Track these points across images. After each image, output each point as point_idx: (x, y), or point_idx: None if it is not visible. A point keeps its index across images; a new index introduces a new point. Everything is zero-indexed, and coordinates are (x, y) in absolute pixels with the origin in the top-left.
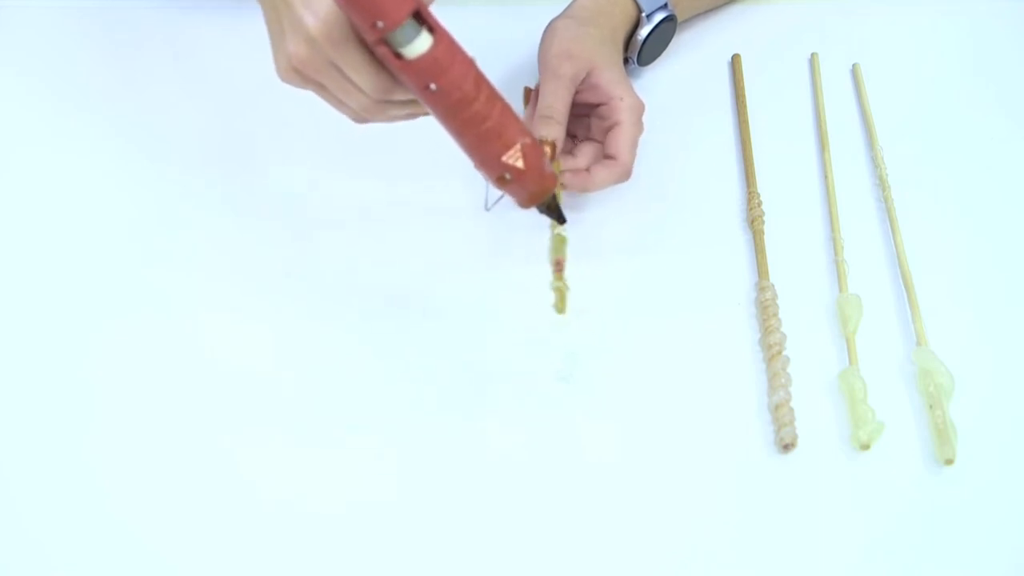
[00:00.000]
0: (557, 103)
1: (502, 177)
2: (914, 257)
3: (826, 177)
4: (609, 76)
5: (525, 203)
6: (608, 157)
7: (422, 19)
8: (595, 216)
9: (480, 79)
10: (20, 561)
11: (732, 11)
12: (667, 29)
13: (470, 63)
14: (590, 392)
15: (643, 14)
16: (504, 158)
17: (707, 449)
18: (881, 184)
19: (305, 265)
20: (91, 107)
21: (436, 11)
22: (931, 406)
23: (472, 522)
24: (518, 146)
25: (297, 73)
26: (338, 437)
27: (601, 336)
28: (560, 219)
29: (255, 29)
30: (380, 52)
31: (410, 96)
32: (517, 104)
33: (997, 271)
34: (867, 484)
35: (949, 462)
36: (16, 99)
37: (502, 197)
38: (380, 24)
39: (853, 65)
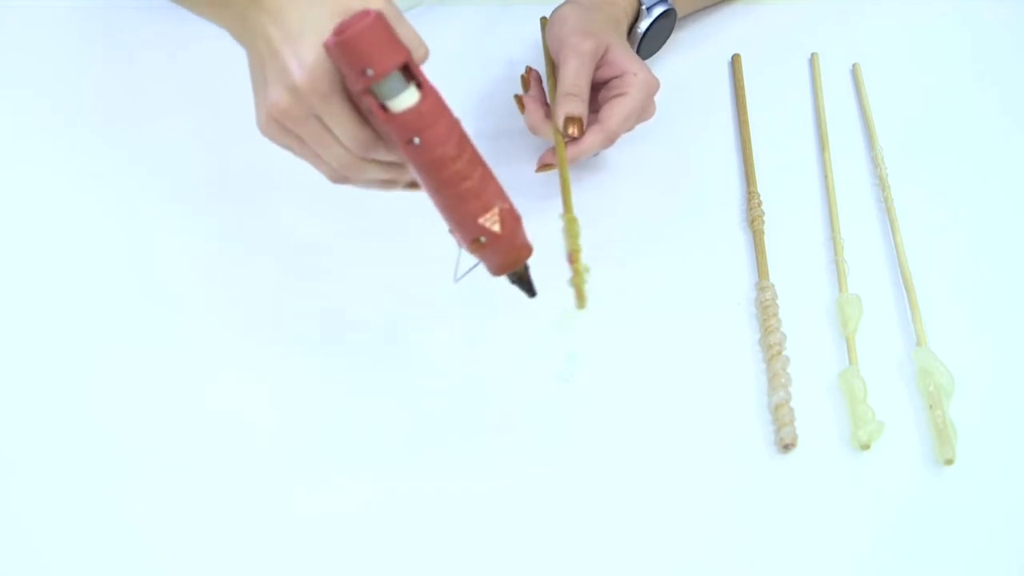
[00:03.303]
0: (581, 80)
1: (476, 240)
2: (914, 257)
3: (826, 177)
4: (624, 53)
5: (496, 270)
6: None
7: (411, 75)
8: (595, 216)
9: (464, 140)
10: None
11: (732, 11)
12: (667, 22)
13: (455, 122)
14: (591, 392)
15: (643, 7)
16: (481, 220)
17: (707, 449)
18: (881, 184)
19: (303, 265)
20: (87, 109)
21: (437, 10)
22: (931, 406)
23: (473, 522)
24: (496, 210)
25: (277, 124)
26: (339, 439)
27: (602, 336)
28: (531, 292)
29: None
30: (366, 103)
31: (391, 157)
32: (513, 110)
33: (997, 271)
34: (867, 484)
35: (949, 462)
36: (12, 101)
37: (472, 268)
38: (370, 72)
39: (853, 65)
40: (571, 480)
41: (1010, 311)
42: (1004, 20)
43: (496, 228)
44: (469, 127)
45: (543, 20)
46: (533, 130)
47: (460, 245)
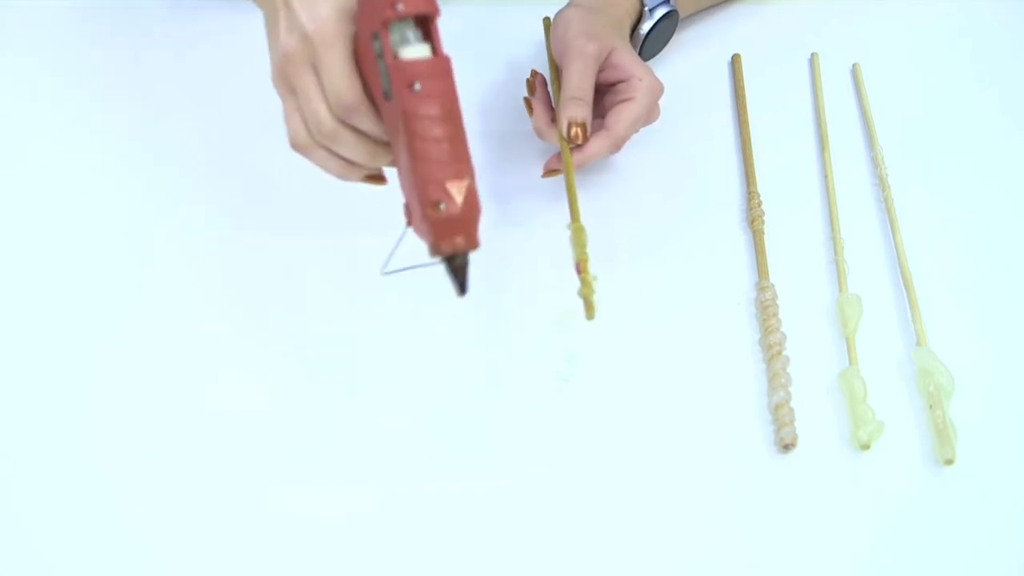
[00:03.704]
0: (584, 83)
1: (436, 205)
2: (914, 257)
3: (826, 177)
4: (628, 56)
5: (440, 248)
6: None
7: (428, 35)
8: (595, 216)
9: (457, 111)
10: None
11: (732, 11)
12: (669, 24)
13: (455, 92)
14: (591, 392)
15: (645, 8)
16: (448, 184)
17: (707, 449)
18: (881, 184)
19: (305, 264)
20: (93, 109)
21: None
22: (931, 406)
23: (474, 522)
24: (466, 182)
25: (282, 73)
26: (339, 439)
27: (602, 336)
28: (462, 289)
29: (260, 29)
30: (377, 46)
31: (371, 128)
32: (515, 111)
33: (997, 271)
34: (867, 484)
35: (949, 462)
36: (16, 100)
37: (405, 269)
38: (400, 7)
39: (853, 65)
40: (571, 480)
41: (1010, 311)
42: (1004, 20)
43: (459, 199)
44: (470, 127)
45: (546, 20)
46: (539, 134)
47: (408, 225)
